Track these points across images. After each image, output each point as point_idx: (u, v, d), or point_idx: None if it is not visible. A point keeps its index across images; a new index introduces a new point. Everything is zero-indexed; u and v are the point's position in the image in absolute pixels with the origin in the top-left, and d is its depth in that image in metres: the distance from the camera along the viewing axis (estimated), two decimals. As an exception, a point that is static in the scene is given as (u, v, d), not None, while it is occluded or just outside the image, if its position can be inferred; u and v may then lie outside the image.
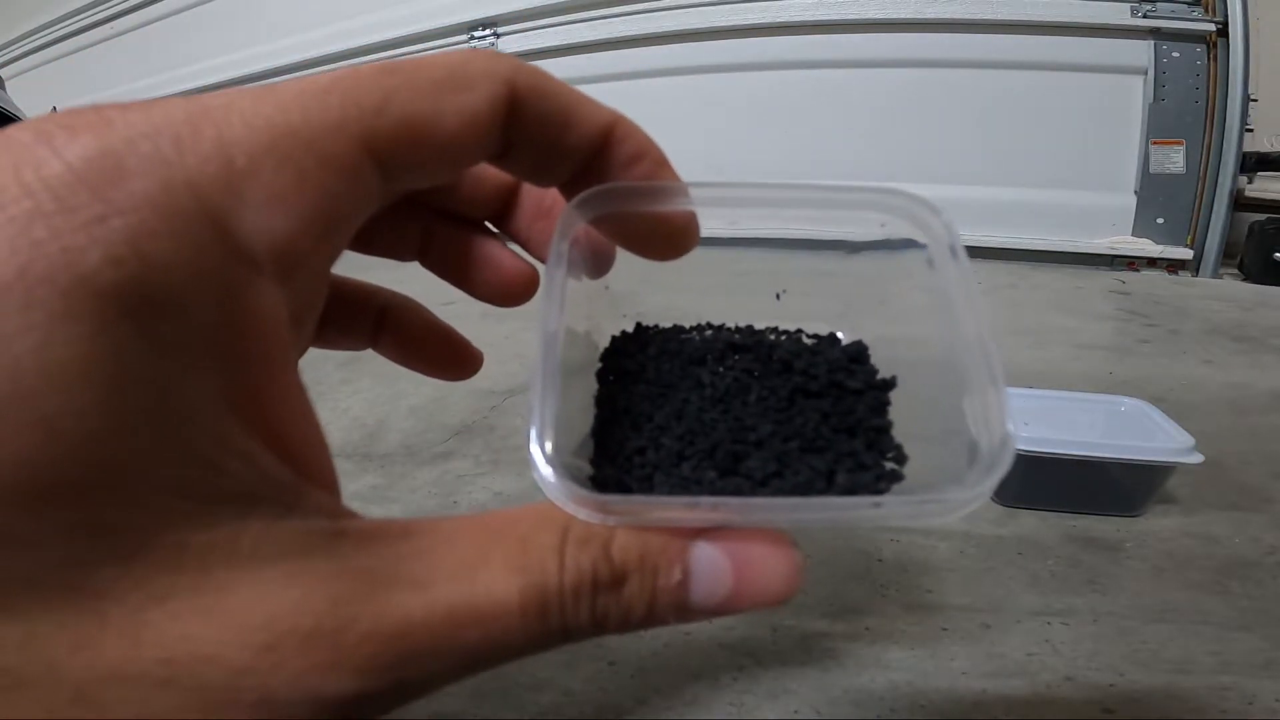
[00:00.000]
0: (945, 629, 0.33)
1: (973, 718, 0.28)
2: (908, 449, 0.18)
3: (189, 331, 0.12)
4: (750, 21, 1.52)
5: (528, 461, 0.14)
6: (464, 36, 1.76)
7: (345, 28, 1.89)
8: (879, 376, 0.20)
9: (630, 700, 0.29)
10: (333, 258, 0.15)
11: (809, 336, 0.22)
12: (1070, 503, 0.44)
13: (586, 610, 0.13)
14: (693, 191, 0.18)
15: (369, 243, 0.21)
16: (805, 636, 0.33)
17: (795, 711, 0.29)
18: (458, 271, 0.22)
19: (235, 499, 0.12)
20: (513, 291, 0.22)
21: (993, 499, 0.44)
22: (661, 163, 0.19)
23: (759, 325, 0.22)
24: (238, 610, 0.11)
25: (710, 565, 0.14)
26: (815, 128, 1.55)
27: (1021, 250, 1.42)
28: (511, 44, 1.71)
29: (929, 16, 1.41)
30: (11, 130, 0.12)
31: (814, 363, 0.20)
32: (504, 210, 0.22)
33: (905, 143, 1.51)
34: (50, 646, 0.10)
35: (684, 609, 0.14)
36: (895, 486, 0.17)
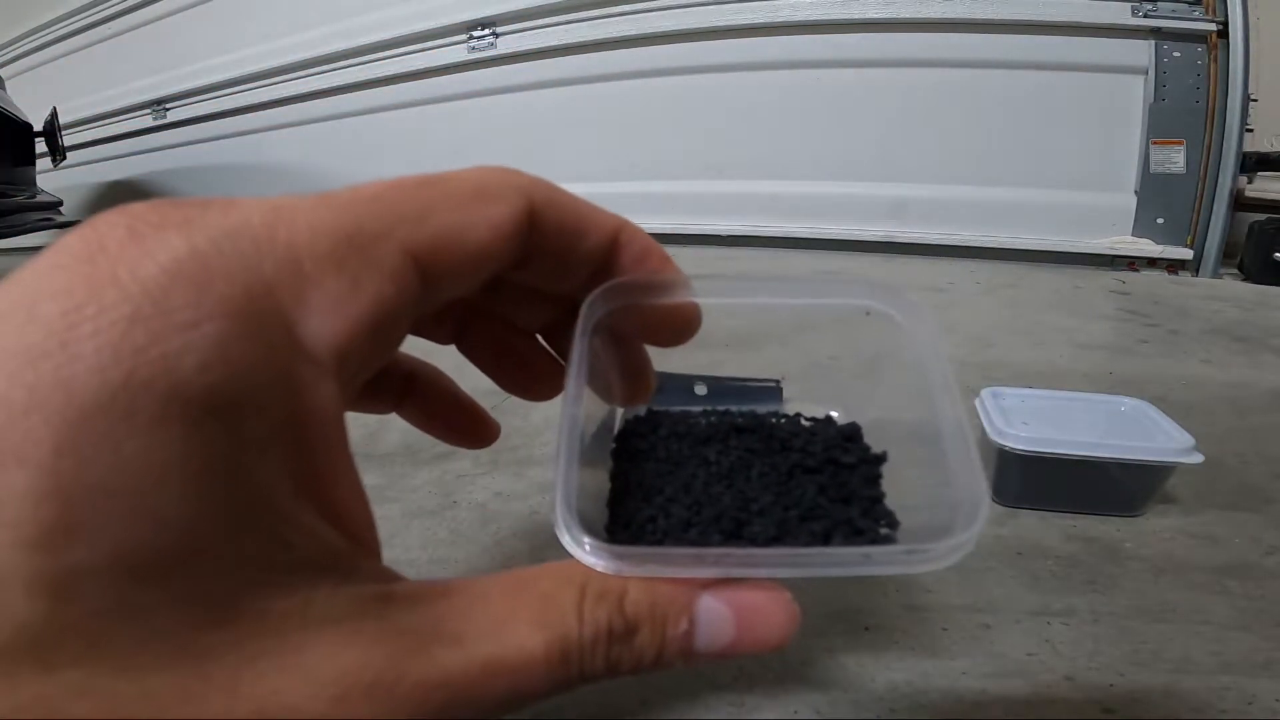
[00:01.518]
0: (945, 629, 0.33)
1: (973, 718, 0.28)
2: (899, 509, 0.20)
3: (264, 427, 0.13)
4: (749, 21, 1.52)
5: (554, 529, 0.16)
6: (463, 36, 1.75)
7: (345, 27, 1.89)
8: (871, 452, 0.22)
9: (631, 700, 0.29)
10: (384, 357, 0.17)
11: (807, 419, 0.24)
12: (1070, 503, 0.44)
13: (602, 658, 0.15)
14: (695, 284, 0.21)
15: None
16: (805, 636, 0.33)
17: (795, 712, 0.29)
18: (490, 363, 0.24)
19: (305, 569, 0.14)
20: (541, 389, 0.24)
21: (993, 499, 0.44)
22: (665, 259, 0.21)
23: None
24: (313, 667, 0.13)
25: (714, 615, 0.16)
26: (815, 128, 1.55)
27: (1021, 250, 1.42)
28: (511, 44, 1.71)
29: (929, 16, 1.41)
30: (100, 224, 0.13)
31: (811, 441, 0.22)
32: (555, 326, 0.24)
33: (905, 143, 1.51)
34: (164, 701, 0.12)
35: (690, 654, 0.16)
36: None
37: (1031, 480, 0.43)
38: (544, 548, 0.41)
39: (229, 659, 0.13)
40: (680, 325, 0.21)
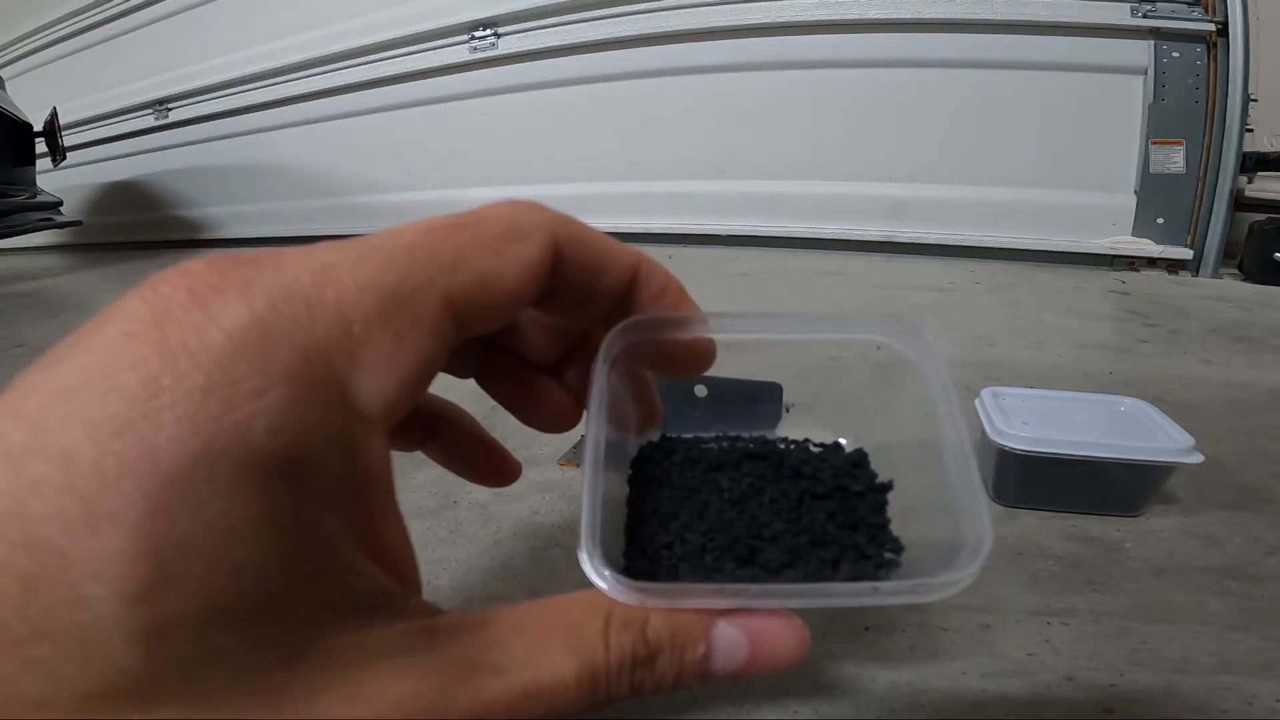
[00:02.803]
0: (945, 629, 0.33)
1: (973, 718, 0.28)
2: (905, 538, 0.21)
3: (325, 483, 0.15)
4: (750, 21, 1.52)
5: (578, 561, 0.17)
6: (464, 37, 1.75)
7: (346, 27, 1.89)
8: (878, 480, 0.22)
9: (630, 700, 0.29)
10: (418, 400, 0.17)
11: (815, 445, 0.25)
12: (1070, 503, 0.44)
13: (627, 682, 0.17)
14: (711, 320, 0.21)
15: None
16: (805, 636, 0.33)
17: (795, 712, 0.29)
18: (509, 398, 0.25)
19: (361, 609, 0.15)
20: (557, 423, 0.25)
21: (993, 499, 0.44)
22: (681, 294, 0.22)
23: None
24: (373, 698, 0.14)
25: (729, 641, 0.17)
26: (815, 128, 1.55)
27: (1021, 250, 1.42)
28: (512, 44, 1.71)
29: (929, 16, 1.41)
30: (162, 286, 0.14)
31: (820, 468, 0.23)
32: (564, 360, 0.24)
33: (905, 143, 1.51)
34: None
35: (707, 676, 0.17)
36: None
37: (1031, 480, 0.43)
38: (544, 548, 0.41)
39: (299, 693, 0.14)
40: (696, 359, 0.22)
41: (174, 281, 0.14)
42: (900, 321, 0.22)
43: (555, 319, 0.23)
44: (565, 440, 0.54)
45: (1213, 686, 0.30)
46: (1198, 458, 0.41)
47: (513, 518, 0.44)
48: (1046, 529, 0.42)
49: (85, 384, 0.13)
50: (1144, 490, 0.43)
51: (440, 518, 0.44)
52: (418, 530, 0.43)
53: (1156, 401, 0.47)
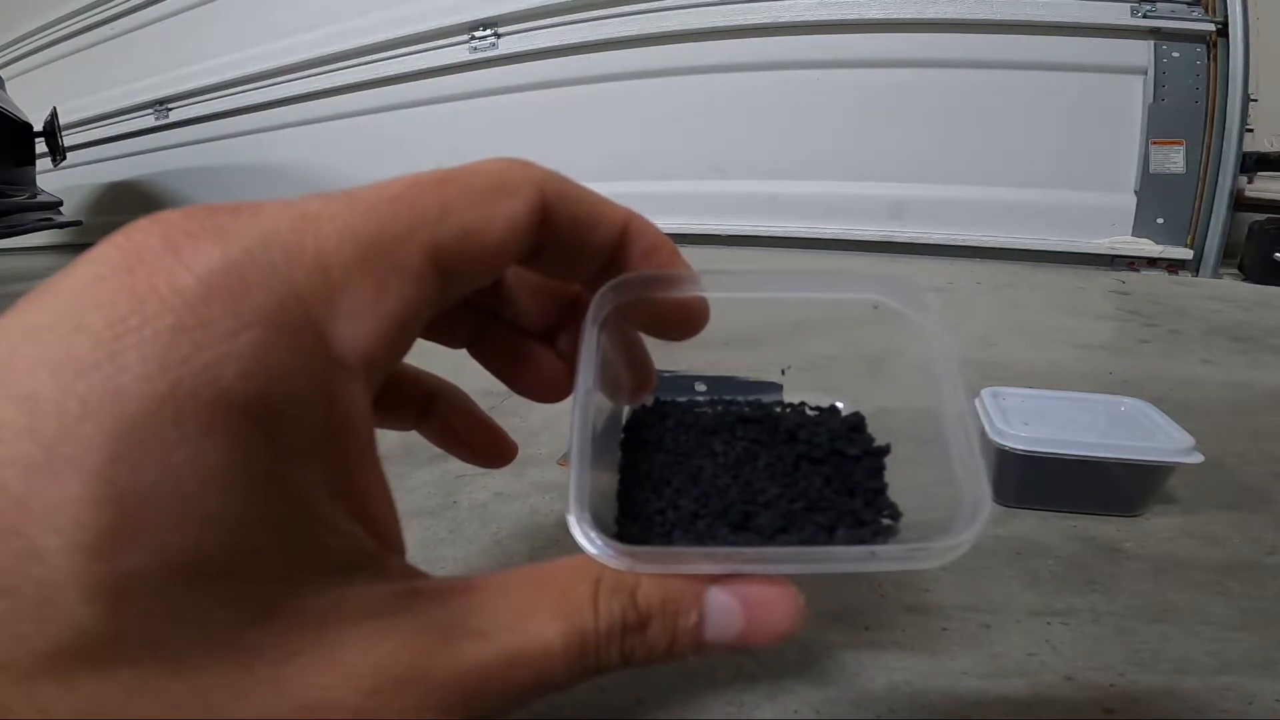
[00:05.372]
0: (945, 629, 0.33)
1: (973, 718, 0.28)
2: (901, 500, 0.20)
3: (302, 433, 0.14)
4: (750, 21, 1.52)
5: (566, 524, 0.16)
6: (464, 37, 1.75)
7: (346, 28, 1.89)
8: (875, 444, 0.22)
9: (629, 700, 0.29)
10: (401, 356, 0.17)
11: (811, 409, 0.24)
12: (1070, 503, 0.44)
13: (617, 649, 0.16)
14: (704, 279, 0.21)
15: (424, 329, 0.23)
16: (804, 637, 0.33)
17: (794, 711, 0.29)
18: (501, 367, 0.24)
19: (339, 568, 0.14)
20: (550, 392, 0.24)
21: (993, 499, 0.44)
22: (674, 253, 0.21)
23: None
24: (349, 662, 0.14)
25: (723, 608, 0.16)
26: (815, 128, 1.55)
27: (1021, 250, 1.42)
28: (512, 44, 1.71)
29: (929, 16, 1.41)
30: (135, 233, 0.14)
31: (816, 432, 0.22)
32: (558, 326, 0.24)
33: (905, 142, 1.51)
34: (215, 698, 0.13)
35: (700, 646, 0.17)
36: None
37: (1031, 480, 0.43)
38: (544, 548, 0.41)
39: (272, 655, 0.13)
40: (689, 320, 0.21)
41: (147, 228, 0.14)
42: (900, 282, 0.21)
43: (545, 278, 0.22)
44: (565, 440, 0.54)
45: (1213, 686, 0.30)
46: (1198, 458, 0.41)
47: (513, 518, 0.44)
48: (1046, 529, 0.42)
49: (51, 325, 0.12)
50: (1144, 490, 0.43)
51: (440, 518, 0.44)
52: (418, 530, 0.43)
53: (1156, 401, 0.47)
